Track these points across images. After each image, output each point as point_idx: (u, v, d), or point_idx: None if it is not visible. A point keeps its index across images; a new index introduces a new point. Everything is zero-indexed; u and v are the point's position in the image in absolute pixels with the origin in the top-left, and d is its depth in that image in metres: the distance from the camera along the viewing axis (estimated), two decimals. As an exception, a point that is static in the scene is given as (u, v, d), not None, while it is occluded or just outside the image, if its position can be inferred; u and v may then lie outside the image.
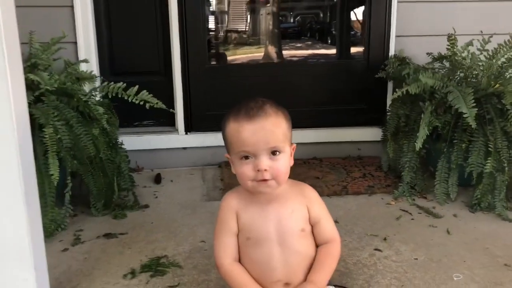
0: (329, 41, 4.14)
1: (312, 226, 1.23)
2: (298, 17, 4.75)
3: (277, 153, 1.12)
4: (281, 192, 1.20)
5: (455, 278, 1.68)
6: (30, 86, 2.11)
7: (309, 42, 4.59)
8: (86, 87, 2.47)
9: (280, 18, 4.19)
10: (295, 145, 1.20)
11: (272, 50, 3.82)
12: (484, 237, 2.00)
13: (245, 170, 1.12)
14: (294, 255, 1.19)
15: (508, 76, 2.33)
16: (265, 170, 1.10)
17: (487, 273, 1.71)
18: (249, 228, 1.19)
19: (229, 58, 3.88)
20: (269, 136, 1.09)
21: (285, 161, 1.13)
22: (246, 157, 1.11)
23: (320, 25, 4.53)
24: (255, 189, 1.14)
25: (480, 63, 2.43)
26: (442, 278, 1.68)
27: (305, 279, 1.20)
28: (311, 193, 1.25)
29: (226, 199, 1.24)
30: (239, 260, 1.23)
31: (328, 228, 1.24)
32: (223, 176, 2.72)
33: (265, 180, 1.11)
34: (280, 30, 4.10)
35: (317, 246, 1.25)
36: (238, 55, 3.94)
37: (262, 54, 3.89)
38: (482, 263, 1.79)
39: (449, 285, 1.64)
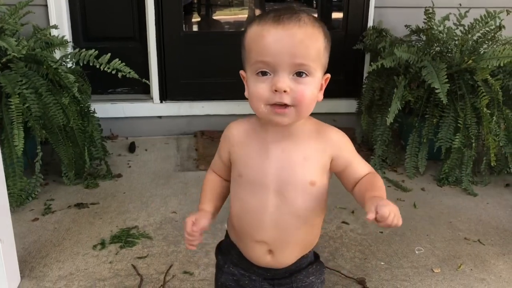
0: (315, 4, 4.07)
1: (337, 172, 0.97)
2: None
3: (304, 74, 0.85)
4: (297, 130, 0.93)
5: (416, 252, 1.74)
6: (-3, 52, 2.06)
7: (294, 5, 4.51)
8: (58, 53, 2.41)
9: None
10: (329, 75, 0.92)
11: (255, 13, 3.74)
12: (448, 211, 2.06)
13: (258, 89, 0.86)
14: (291, 215, 0.93)
15: (482, 52, 2.35)
16: (285, 91, 0.84)
17: (447, 247, 1.77)
18: (242, 163, 0.96)
19: (210, 22, 3.79)
20: (298, 48, 0.83)
21: (312, 88, 0.86)
22: (264, 73, 0.86)
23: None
24: (267, 117, 0.88)
25: (456, 38, 2.43)
26: (404, 251, 1.74)
27: (294, 256, 0.99)
28: (338, 138, 0.95)
29: (228, 127, 1.01)
30: (231, 202, 1.01)
31: (361, 167, 0.96)
32: (197, 146, 2.72)
33: (282, 105, 0.85)
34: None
35: (347, 189, 0.98)
36: (220, 18, 3.85)
37: (246, 16, 3.81)
38: (444, 236, 1.85)
39: (410, 258, 1.70)
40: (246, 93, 0.92)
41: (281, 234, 0.94)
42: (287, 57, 0.83)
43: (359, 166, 0.96)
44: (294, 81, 0.85)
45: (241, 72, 0.93)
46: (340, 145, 0.95)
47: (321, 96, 0.91)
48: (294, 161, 0.92)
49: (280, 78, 0.84)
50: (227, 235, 1.07)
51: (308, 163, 0.93)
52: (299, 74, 0.85)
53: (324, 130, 0.95)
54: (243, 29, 0.93)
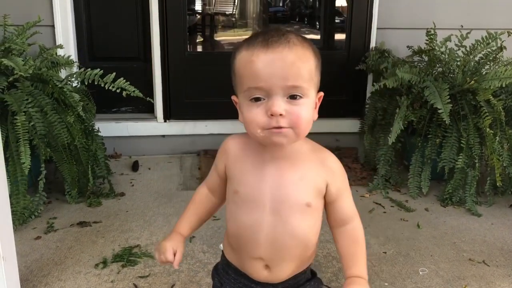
0: (318, 26, 4.11)
1: (326, 203, 0.97)
2: (288, 0, 4.74)
3: (298, 97, 0.85)
4: (294, 150, 0.92)
5: (420, 273, 1.72)
6: (4, 72, 2.09)
7: (297, 26, 4.56)
8: (64, 72, 2.44)
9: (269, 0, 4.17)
10: (322, 93, 0.93)
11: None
12: (452, 232, 2.04)
13: (254, 115, 0.85)
14: (287, 235, 0.93)
15: (484, 73, 2.36)
16: (281, 115, 0.83)
17: (452, 268, 1.76)
18: (238, 180, 0.95)
19: (214, 42, 3.84)
20: (289, 70, 0.83)
21: (308, 108, 0.86)
22: (257, 99, 0.85)
23: (309, 10, 4.52)
24: (267, 140, 0.87)
25: (458, 59, 2.45)
26: (408, 272, 1.72)
27: (291, 271, 0.98)
28: (335, 164, 0.95)
29: (226, 141, 1.00)
30: (227, 220, 1.01)
31: (348, 205, 0.97)
32: (201, 165, 2.73)
33: (279, 128, 0.85)
34: (268, 14, 4.07)
35: (330, 225, 0.99)
36: (224, 39, 3.90)
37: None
38: (448, 257, 1.83)
39: (414, 279, 1.68)
40: (240, 118, 0.91)
41: (277, 251, 0.94)
42: (279, 81, 0.83)
43: (347, 204, 0.97)
44: (289, 104, 0.84)
45: (233, 97, 0.93)
46: (336, 172, 0.95)
47: (315, 115, 0.91)
48: (290, 180, 0.92)
49: (275, 102, 0.83)
50: (223, 255, 1.07)
51: (304, 183, 0.92)
52: (293, 96, 0.84)
53: (322, 154, 0.96)
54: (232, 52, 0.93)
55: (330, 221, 0.99)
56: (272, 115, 0.84)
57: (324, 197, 0.96)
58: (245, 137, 0.97)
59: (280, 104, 0.83)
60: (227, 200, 1.01)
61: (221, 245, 1.09)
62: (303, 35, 0.91)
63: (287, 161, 0.92)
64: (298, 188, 0.92)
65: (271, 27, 0.83)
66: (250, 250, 0.96)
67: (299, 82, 0.84)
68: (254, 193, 0.93)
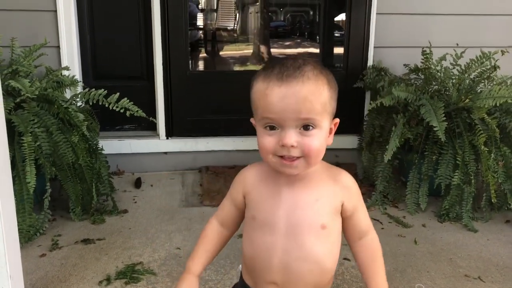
0: (318, 39, 4.17)
1: (342, 218, 1.00)
2: (288, 15, 4.81)
3: (311, 127, 0.89)
4: (309, 172, 0.96)
5: (417, 289, 1.76)
6: (11, 93, 2.15)
7: (298, 40, 4.62)
8: (69, 93, 2.50)
9: (270, 14, 4.24)
10: (338, 120, 0.97)
11: (260, 49, 3.85)
12: (449, 248, 2.08)
13: (267, 143, 0.90)
14: (301, 259, 0.95)
15: (479, 91, 2.42)
16: (292, 146, 0.88)
17: (448, 284, 1.79)
18: (256, 206, 0.99)
19: (215, 58, 3.91)
20: (302, 105, 0.87)
21: (320, 139, 0.90)
22: (271, 128, 0.90)
23: (309, 25, 4.59)
24: (277, 167, 0.93)
25: (453, 77, 2.51)
26: (405, 288, 1.76)
27: None
28: (349, 182, 1.00)
29: (243, 171, 1.05)
30: (243, 243, 1.04)
31: (363, 218, 1.01)
32: (202, 182, 2.78)
33: (291, 158, 0.90)
34: (269, 30, 4.14)
35: (348, 240, 1.04)
36: (225, 54, 3.96)
37: (251, 52, 3.91)
38: (445, 273, 1.87)
39: (411, 295, 1.72)
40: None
41: (290, 276, 0.96)
42: (292, 114, 0.87)
43: (362, 217, 1.01)
44: (301, 134, 0.89)
45: (251, 120, 0.98)
46: (351, 189, 1.00)
47: (330, 140, 0.95)
48: (306, 202, 0.95)
49: (287, 134, 0.88)
50: (241, 277, 1.09)
51: (320, 204, 0.96)
52: (305, 127, 0.89)
53: (336, 171, 1.00)
54: (252, 76, 0.98)
55: (347, 236, 1.03)
56: (283, 145, 0.89)
57: (340, 213, 0.99)
58: (259, 166, 1.03)
59: (291, 136, 0.88)
60: (245, 224, 1.04)
61: (240, 266, 1.12)
62: (320, 67, 0.94)
63: (302, 183, 0.96)
64: (313, 210, 0.95)
65: (289, 57, 0.87)
66: (264, 274, 0.98)
67: (312, 115, 0.88)
68: (270, 218, 0.96)
